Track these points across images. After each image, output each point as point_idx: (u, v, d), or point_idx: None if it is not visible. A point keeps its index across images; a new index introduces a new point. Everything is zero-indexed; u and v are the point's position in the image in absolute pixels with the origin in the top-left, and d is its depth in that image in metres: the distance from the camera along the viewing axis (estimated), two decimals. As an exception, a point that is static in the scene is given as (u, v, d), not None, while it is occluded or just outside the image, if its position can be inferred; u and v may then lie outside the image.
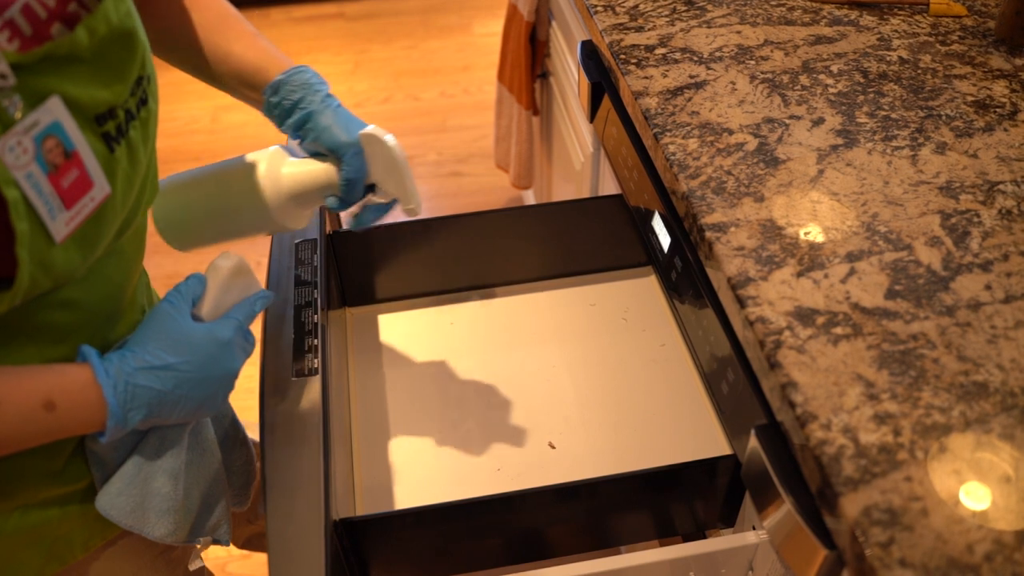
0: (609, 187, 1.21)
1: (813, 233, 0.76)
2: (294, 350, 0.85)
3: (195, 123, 2.70)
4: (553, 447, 0.91)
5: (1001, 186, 0.80)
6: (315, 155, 0.80)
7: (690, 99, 0.91)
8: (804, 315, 0.69)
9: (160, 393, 0.64)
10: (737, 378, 0.75)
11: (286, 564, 0.69)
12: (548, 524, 0.85)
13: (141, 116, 0.63)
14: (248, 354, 0.73)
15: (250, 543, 1.16)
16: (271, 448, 0.77)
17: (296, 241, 0.92)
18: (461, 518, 0.80)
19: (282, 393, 0.81)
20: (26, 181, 0.52)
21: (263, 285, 0.81)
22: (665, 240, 0.90)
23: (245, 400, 1.98)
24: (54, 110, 0.53)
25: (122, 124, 0.60)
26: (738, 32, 1.02)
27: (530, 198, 2.09)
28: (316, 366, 0.83)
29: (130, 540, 0.80)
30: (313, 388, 0.81)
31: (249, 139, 2.60)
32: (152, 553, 0.84)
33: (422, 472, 0.88)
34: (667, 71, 0.95)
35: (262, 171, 0.78)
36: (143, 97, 0.63)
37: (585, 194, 1.37)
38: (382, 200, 0.84)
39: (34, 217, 0.53)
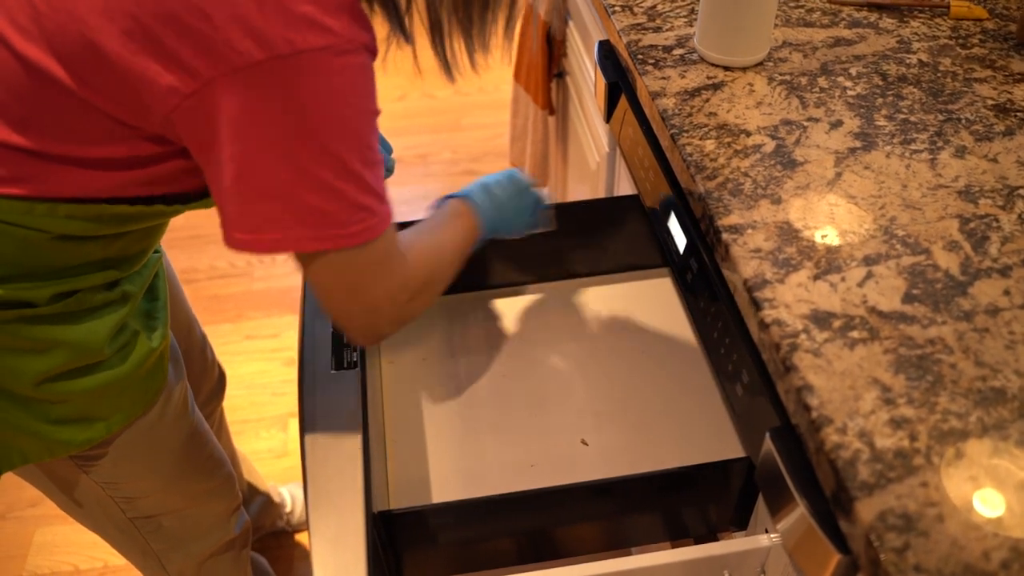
0: (625, 188, 1.21)
1: (830, 236, 0.76)
2: (332, 344, 0.85)
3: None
4: (586, 444, 0.91)
5: (1021, 190, 0.80)
6: None
7: (708, 100, 0.91)
8: (820, 318, 0.69)
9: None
10: (752, 380, 0.75)
11: (329, 554, 0.70)
12: (574, 522, 0.85)
13: None
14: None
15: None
16: (312, 440, 0.78)
17: None
18: (499, 513, 0.80)
19: (322, 387, 0.81)
20: None
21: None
22: (681, 241, 0.90)
23: (259, 395, 1.98)
24: None
25: None
26: (756, 33, 1.01)
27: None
28: (355, 359, 0.84)
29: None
30: (352, 382, 0.82)
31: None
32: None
33: (453, 466, 0.89)
34: (685, 72, 0.95)
35: None
36: None
37: (600, 194, 1.37)
38: None
39: None
